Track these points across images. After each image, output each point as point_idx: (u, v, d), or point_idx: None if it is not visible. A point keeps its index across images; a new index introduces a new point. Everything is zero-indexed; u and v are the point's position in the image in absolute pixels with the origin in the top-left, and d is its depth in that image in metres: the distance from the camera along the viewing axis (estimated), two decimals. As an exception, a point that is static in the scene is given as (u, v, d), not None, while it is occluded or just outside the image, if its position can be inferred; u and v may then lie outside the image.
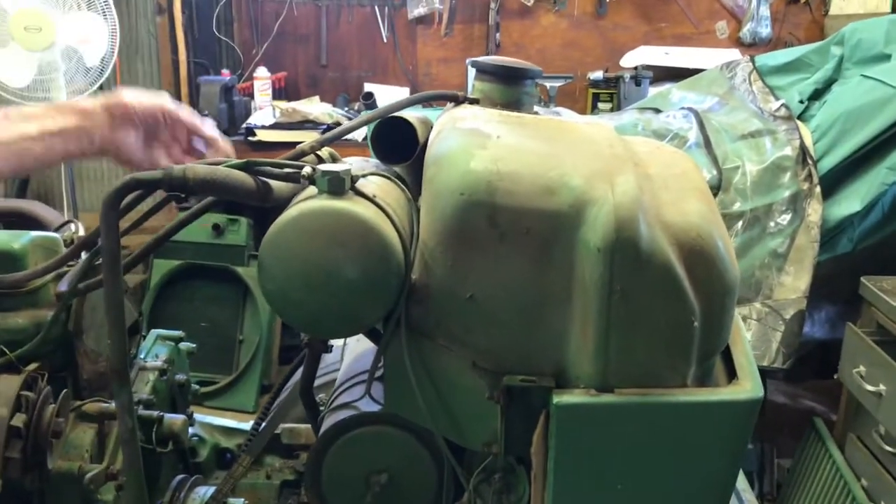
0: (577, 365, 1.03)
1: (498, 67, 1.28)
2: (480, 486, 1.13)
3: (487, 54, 4.41)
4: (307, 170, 1.04)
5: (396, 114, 1.22)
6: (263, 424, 1.39)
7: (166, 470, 1.51)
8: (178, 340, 1.61)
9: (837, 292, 2.64)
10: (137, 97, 1.18)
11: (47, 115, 1.11)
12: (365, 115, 1.22)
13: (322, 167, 1.04)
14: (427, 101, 1.30)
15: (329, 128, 3.85)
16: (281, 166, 1.05)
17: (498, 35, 4.46)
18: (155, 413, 1.40)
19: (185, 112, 1.22)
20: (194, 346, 1.66)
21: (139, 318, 1.44)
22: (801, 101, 2.71)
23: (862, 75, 2.54)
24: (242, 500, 1.50)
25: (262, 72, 4.35)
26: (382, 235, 1.02)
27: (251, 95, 4.31)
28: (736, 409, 1.02)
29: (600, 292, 0.99)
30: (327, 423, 1.20)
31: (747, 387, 1.04)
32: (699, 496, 1.06)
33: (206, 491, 1.45)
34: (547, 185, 1.02)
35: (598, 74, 4.01)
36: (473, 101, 1.30)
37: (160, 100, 1.20)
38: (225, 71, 4.39)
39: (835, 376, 2.53)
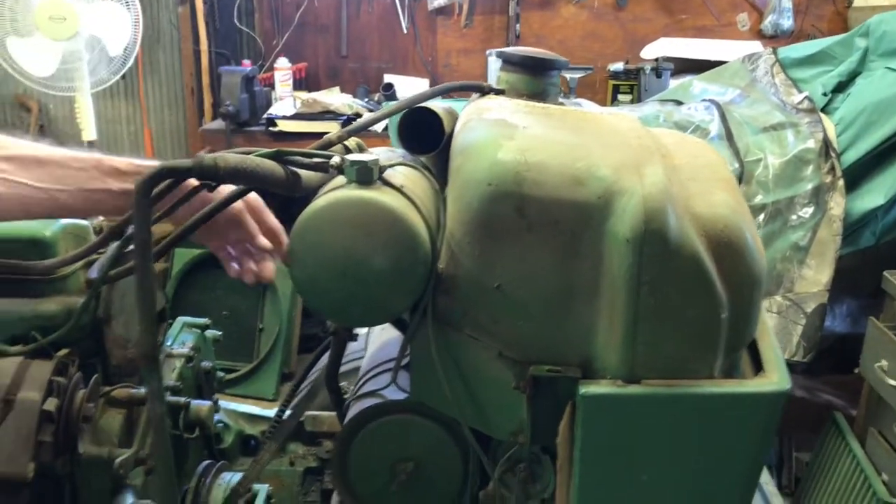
0: (603, 356, 1.03)
1: (524, 58, 1.28)
2: (505, 475, 1.14)
3: (507, 45, 4.40)
4: (336, 159, 1.05)
5: (423, 104, 1.22)
6: (288, 411, 1.40)
7: (192, 456, 1.52)
8: (204, 328, 1.62)
9: (859, 286, 2.63)
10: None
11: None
12: (391, 105, 1.23)
13: (350, 157, 1.04)
14: (453, 92, 1.30)
15: (349, 119, 3.86)
16: (310, 156, 1.06)
17: (518, 26, 4.45)
18: (182, 399, 1.42)
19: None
20: (220, 333, 1.68)
21: (166, 305, 1.46)
22: (825, 94, 2.69)
23: (887, 68, 2.52)
24: (267, 485, 1.51)
25: (282, 62, 4.36)
26: (410, 225, 1.03)
27: (272, 86, 4.32)
28: (763, 401, 1.02)
29: (628, 284, 0.99)
30: (353, 410, 1.21)
31: (774, 379, 1.04)
32: (724, 488, 1.06)
33: (231, 477, 1.47)
34: (575, 175, 1.02)
35: (618, 66, 3.99)
36: (499, 92, 1.30)
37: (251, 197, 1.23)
38: (246, 61, 4.40)
39: (856, 370, 2.52)
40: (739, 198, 1.08)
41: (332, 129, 3.93)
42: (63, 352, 1.21)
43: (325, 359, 2.28)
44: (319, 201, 1.03)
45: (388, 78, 4.51)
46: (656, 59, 3.88)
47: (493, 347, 1.08)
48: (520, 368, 1.07)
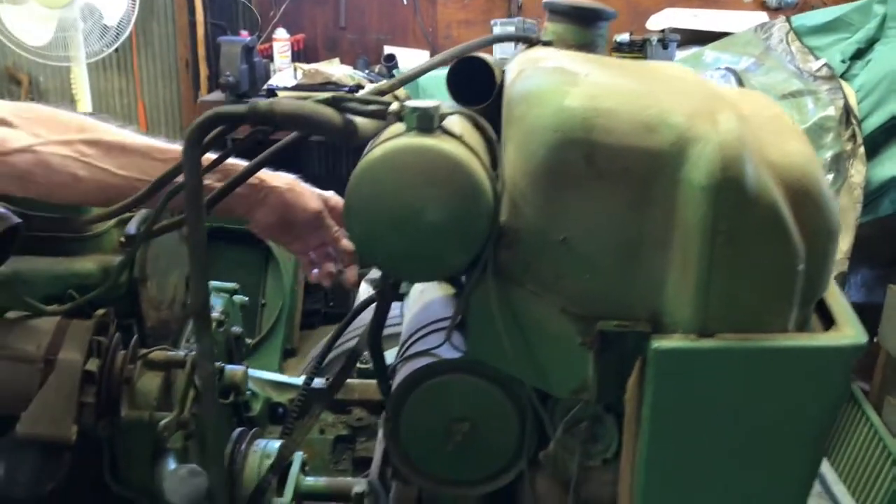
0: (674, 310, 1.00)
1: (574, 8, 1.23)
2: (565, 435, 1.10)
3: (510, 16, 4.35)
4: (395, 106, 1.00)
5: (474, 54, 1.17)
6: (336, 374, 1.35)
7: (223, 422, 1.49)
8: (232, 292, 1.58)
9: (877, 256, 2.61)
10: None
11: None
12: (441, 55, 1.18)
13: (410, 103, 1.00)
14: (501, 42, 1.26)
15: (352, 90, 3.79)
16: (367, 102, 1.01)
17: (521, -3, 4.39)
18: (216, 364, 1.38)
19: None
20: (247, 299, 1.63)
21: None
22: (843, 61, 2.66)
23: (908, 34, 2.49)
24: (302, 453, 1.48)
25: (281, 33, 4.28)
26: (473, 174, 0.99)
27: (270, 57, 4.25)
28: (839, 354, 0.99)
29: (703, 234, 0.96)
30: (403, 372, 1.17)
31: (850, 333, 1.01)
32: (796, 445, 1.03)
33: (266, 444, 1.43)
34: (646, 122, 0.98)
35: (624, 37, 3.94)
36: (546, 44, 1.25)
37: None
38: (243, 32, 4.32)
39: (874, 339, 2.51)
40: (812, 148, 1.05)
41: (333, 100, 3.90)
42: (100, 312, 1.16)
43: (355, 325, 2.25)
44: (377, 150, 0.98)
45: (388, 50, 4.44)
46: (662, 30, 3.83)
47: (556, 303, 1.04)
48: (584, 324, 1.03)
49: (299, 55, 4.38)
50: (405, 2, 4.47)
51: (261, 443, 1.44)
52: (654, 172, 0.97)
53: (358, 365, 1.92)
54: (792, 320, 1.01)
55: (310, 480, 1.44)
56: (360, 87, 3.84)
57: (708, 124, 0.97)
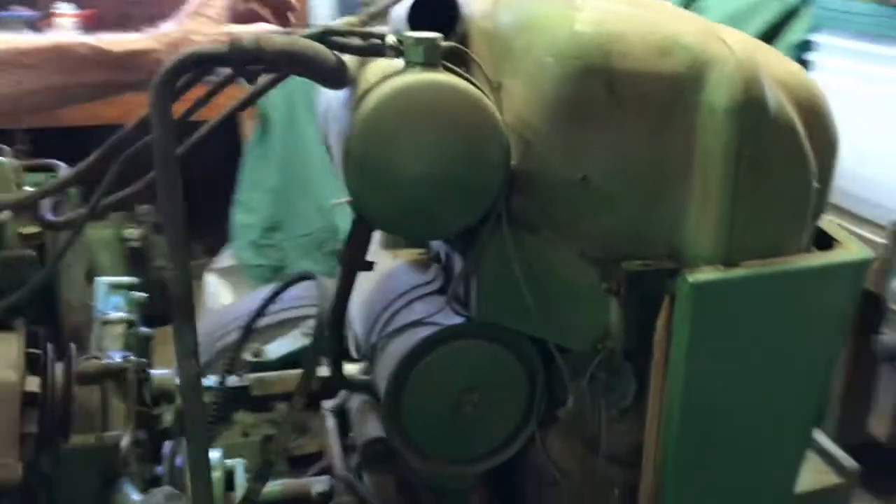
0: (696, 242, 0.96)
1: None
2: (582, 389, 1.04)
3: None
4: (391, 38, 0.87)
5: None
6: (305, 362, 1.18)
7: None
8: (129, 288, 1.35)
9: None
10: None
11: None
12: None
13: (411, 34, 0.87)
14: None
15: (161, 67, 3.46)
16: (361, 36, 0.87)
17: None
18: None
19: None
20: (146, 295, 1.41)
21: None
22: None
23: (734, -19, 2.64)
24: (243, 459, 1.30)
25: (65, 8, 3.81)
26: (491, 112, 0.88)
27: (56, 36, 3.77)
28: (852, 269, 1.00)
29: (727, 158, 0.92)
30: (396, 346, 1.05)
31: (856, 249, 1.02)
32: (816, 361, 1.03)
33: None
34: (660, 46, 0.92)
35: None
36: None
37: None
38: (18, 7, 3.80)
39: None
40: (802, 70, 1.04)
41: (142, 79, 3.53)
42: (18, 320, 0.94)
43: (232, 321, 2.04)
44: (380, 91, 0.85)
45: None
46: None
47: (575, 248, 0.97)
48: (605, 268, 0.97)
49: (90, 33, 3.92)
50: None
51: (198, 454, 1.25)
52: (673, 97, 0.92)
53: (249, 358, 1.75)
54: (804, 240, 1.00)
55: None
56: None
57: (721, 45, 0.93)
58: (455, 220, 0.90)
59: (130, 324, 1.26)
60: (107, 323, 1.23)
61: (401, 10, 1.02)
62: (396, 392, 1.02)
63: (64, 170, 1.09)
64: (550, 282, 0.98)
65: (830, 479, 1.30)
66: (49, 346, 0.92)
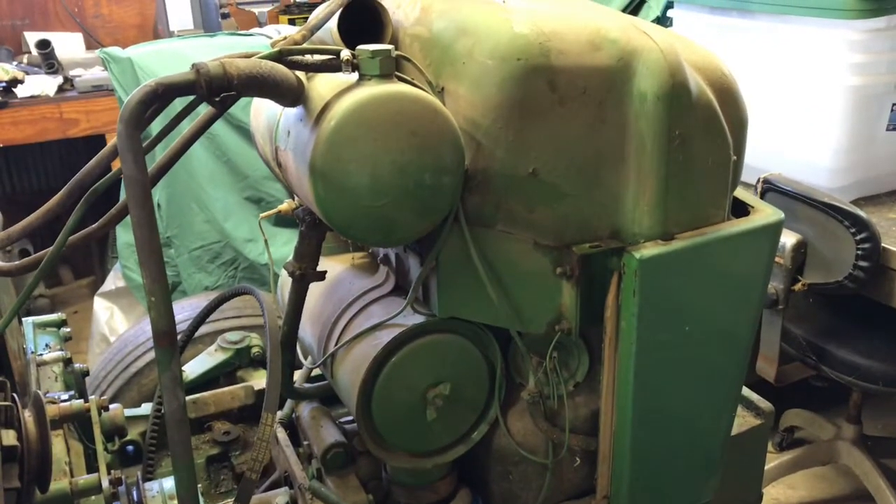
0: (634, 221, 1.03)
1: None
2: (538, 369, 1.10)
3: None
4: (345, 53, 0.89)
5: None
6: (267, 385, 1.17)
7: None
8: (59, 325, 1.30)
9: None
10: None
11: None
12: (329, 2, 1.06)
13: (364, 48, 0.89)
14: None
15: (7, 85, 3.26)
16: (317, 53, 0.88)
17: (174, -35, 4.06)
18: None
19: None
20: (69, 329, 1.36)
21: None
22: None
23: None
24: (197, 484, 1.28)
25: None
26: (448, 118, 0.92)
27: None
28: (770, 231, 1.11)
29: (660, 140, 0.99)
30: (360, 351, 1.06)
31: (769, 212, 1.12)
32: (745, 317, 1.13)
33: (160, 484, 1.22)
34: (590, 41, 0.98)
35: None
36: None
37: None
38: None
39: None
40: (705, 50, 1.13)
41: (-13, 100, 3.30)
42: (-25, 374, 0.89)
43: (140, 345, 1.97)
44: (344, 103, 0.87)
45: (29, 36, 3.86)
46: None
47: (528, 238, 1.02)
48: (556, 254, 1.03)
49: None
50: (38, -20, 3.91)
51: (153, 486, 1.23)
52: (606, 89, 0.98)
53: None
54: (726, 209, 1.10)
55: (226, 508, 1.26)
56: (17, 80, 3.31)
57: (642, 36, 1.01)
58: (419, 224, 0.93)
59: (67, 362, 1.21)
60: (42, 364, 1.18)
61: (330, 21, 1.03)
62: (365, 401, 1.04)
63: (-9, 211, 1.03)
64: (507, 272, 1.03)
65: (751, 420, 1.42)
66: (14, 396, 0.88)
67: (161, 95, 0.77)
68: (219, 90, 0.79)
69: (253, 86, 0.81)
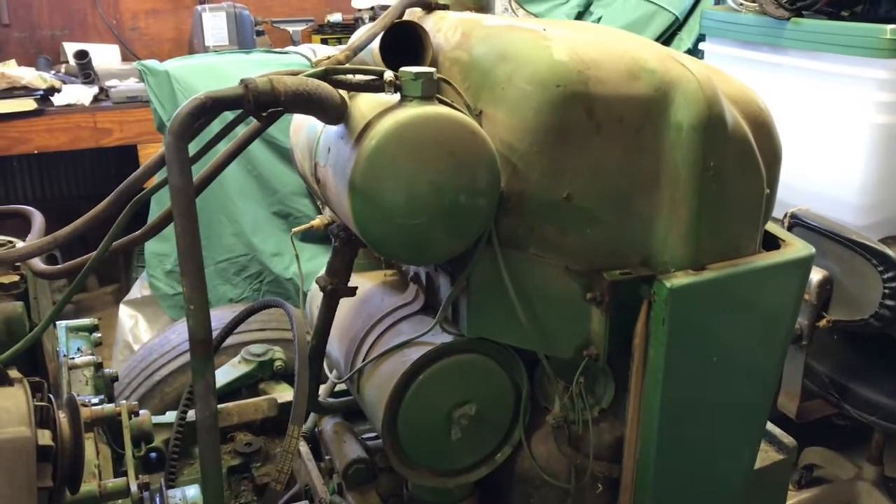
0: (665, 250, 1.04)
1: (468, -31, 1.21)
2: (565, 394, 1.10)
3: (202, 2, 4.09)
4: (389, 74, 0.91)
5: (405, 20, 1.10)
6: (295, 398, 1.18)
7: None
8: (90, 329, 1.32)
9: None
10: None
11: None
12: (372, 24, 1.08)
13: (407, 70, 0.91)
14: (409, 7, 1.18)
15: (45, 93, 3.32)
16: (362, 73, 0.90)
17: (213, -19, 4.14)
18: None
19: None
20: (100, 335, 1.38)
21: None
22: (568, 24, 2.90)
23: (625, -5, 2.79)
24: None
25: (-70, 35, 3.59)
26: (486, 141, 0.93)
27: (-78, 64, 3.54)
28: (800, 265, 1.11)
29: (694, 171, 1.00)
30: (388, 367, 1.07)
31: (800, 246, 1.13)
32: (772, 352, 1.13)
33: (183, 492, 1.23)
34: (629, 70, 0.99)
35: (336, 17, 3.92)
36: (443, 7, 1.22)
37: None
38: None
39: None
40: (741, 84, 1.14)
41: (24, 106, 3.36)
42: (14, 373, 0.91)
43: (164, 353, 1.99)
44: (385, 123, 0.88)
45: (68, 46, 3.94)
46: (371, 8, 3.87)
47: (560, 263, 1.03)
48: (587, 279, 1.04)
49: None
50: (80, -8, 3.99)
51: (175, 493, 1.24)
52: (643, 118, 0.99)
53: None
54: (758, 241, 1.11)
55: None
56: (54, 89, 3.37)
57: (679, 66, 1.02)
58: (453, 244, 0.95)
59: (98, 366, 1.23)
60: (74, 367, 1.20)
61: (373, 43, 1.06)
62: (394, 411, 1.05)
63: (35, 216, 1.05)
64: (537, 296, 1.03)
65: (774, 455, 1.42)
66: (50, 397, 0.90)
67: (210, 109, 0.79)
68: (266, 105, 0.81)
69: (299, 102, 0.83)
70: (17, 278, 0.97)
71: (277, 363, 1.75)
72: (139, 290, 2.71)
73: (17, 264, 0.98)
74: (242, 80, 0.81)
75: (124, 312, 2.70)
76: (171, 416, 1.48)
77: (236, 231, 2.51)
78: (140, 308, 2.68)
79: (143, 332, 2.61)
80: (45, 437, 0.84)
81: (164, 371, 1.95)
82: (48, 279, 0.95)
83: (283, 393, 1.65)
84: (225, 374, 1.78)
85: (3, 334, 0.92)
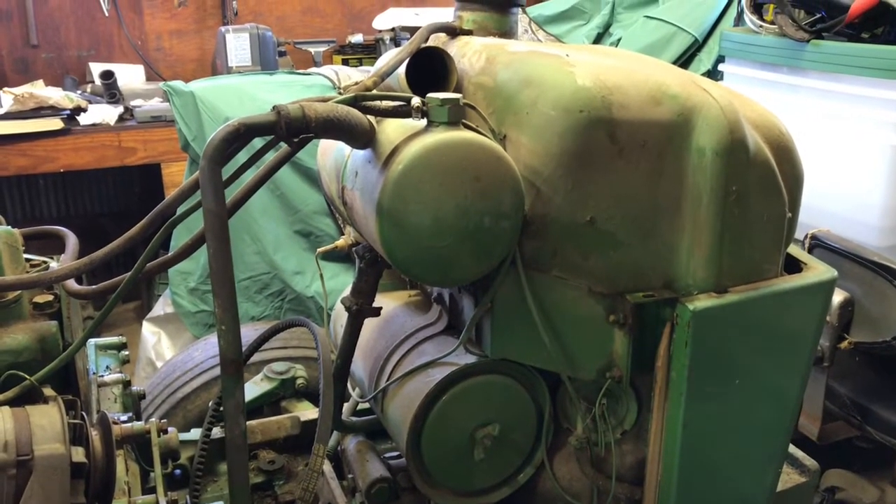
0: (686, 272, 1.05)
1: (491, -5, 1.23)
2: (587, 415, 1.11)
3: (225, 23, 4.15)
4: (416, 100, 0.93)
5: (430, 45, 1.12)
6: (320, 417, 1.20)
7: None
8: (119, 348, 1.34)
9: None
10: None
11: None
12: (398, 50, 1.11)
13: (434, 96, 0.93)
14: (434, 32, 1.20)
15: (72, 113, 3.37)
16: (389, 99, 0.92)
17: (235, 3, 4.20)
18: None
19: None
20: (128, 353, 1.40)
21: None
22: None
23: (646, 17, 2.81)
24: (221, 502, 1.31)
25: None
26: (511, 165, 0.95)
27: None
28: (823, 287, 1.12)
29: (717, 195, 1.01)
30: (412, 386, 1.09)
31: (822, 269, 1.13)
32: (794, 374, 1.14)
33: (209, 509, 1.25)
34: (651, 95, 1.01)
35: (357, 38, 3.96)
36: (468, 32, 1.24)
37: None
38: None
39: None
40: (761, 108, 1.15)
41: (52, 126, 3.42)
42: (49, 392, 0.93)
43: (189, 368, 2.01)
44: (413, 148, 0.90)
45: (94, 66, 4.01)
46: (392, 29, 3.91)
47: (583, 285, 1.04)
48: (610, 302, 1.05)
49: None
50: (106, 13, 4.06)
51: (201, 509, 1.25)
52: (666, 143, 1.01)
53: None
54: (780, 265, 1.11)
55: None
56: (80, 108, 3.43)
57: (701, 91, 1.03)
58: (477, 266, 0.96)
59: (126, 384, 1.25)
60: (103, 385, 1.22)
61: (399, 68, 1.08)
62: (418, 431, 1.06)
63: (69, 237, 1.08)
64: (561, 317, 1.05)
65: (796, 478, 1.41)
66: (83, 414, 0.92)
67: (243, 135, 0.81)
68: (297, 132, 0.83)
69: (330, 128, 0.85)
70: (51, 298, 0.99)
71: (299, 381, 1.77)
72: (162, 307, 2.74)
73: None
74: (275, 107, 0.83)
75: (147, 329, 2.73)
76: (195, 434, 1.50)
77: (258, 249, 2.54)
78: (163, 325, 2.71)
79: (165, 349, 2.64)
80: (78, 455, 0.86)
81: (188, 388, 1.97)
82: (82, 299, 0.97)
83: (306, 411, 1.67)
84: (248, 391, 1.80)
85: (37, 353, 0.94)
